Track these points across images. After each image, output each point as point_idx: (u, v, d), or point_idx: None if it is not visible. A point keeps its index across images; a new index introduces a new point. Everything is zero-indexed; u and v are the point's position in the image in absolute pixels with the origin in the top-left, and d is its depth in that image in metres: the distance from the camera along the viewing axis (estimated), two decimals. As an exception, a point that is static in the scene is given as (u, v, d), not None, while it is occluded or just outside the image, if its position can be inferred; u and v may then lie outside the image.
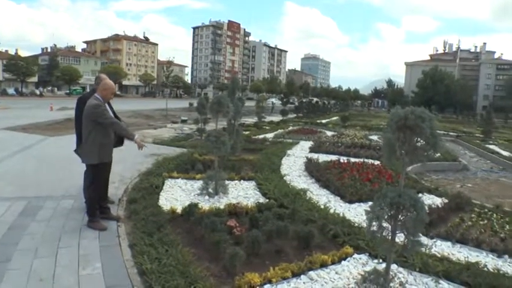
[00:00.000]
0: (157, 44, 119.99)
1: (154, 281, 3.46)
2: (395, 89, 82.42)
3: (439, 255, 4.52)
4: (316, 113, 37.32)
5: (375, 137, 17.65)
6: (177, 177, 8.00)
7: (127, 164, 9.21)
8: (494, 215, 6.44)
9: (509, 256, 4.82)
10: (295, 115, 34.74)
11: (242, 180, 8.06)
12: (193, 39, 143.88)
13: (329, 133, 19.38)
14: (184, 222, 5.32)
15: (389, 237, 3.03)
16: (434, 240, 5.19)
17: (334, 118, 33.36)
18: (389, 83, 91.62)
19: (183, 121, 24.33)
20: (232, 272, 3.81)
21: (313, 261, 4.07)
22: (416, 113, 2.81)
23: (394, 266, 4.16)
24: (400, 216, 2.97)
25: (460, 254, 4.82)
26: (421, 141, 2.89)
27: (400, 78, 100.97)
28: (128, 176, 7.96)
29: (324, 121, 28.98)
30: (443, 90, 67.76)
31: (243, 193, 7.22)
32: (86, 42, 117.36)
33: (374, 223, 3.00)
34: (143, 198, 6.24)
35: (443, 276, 3.99)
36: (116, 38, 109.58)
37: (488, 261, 4.63)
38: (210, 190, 6.92)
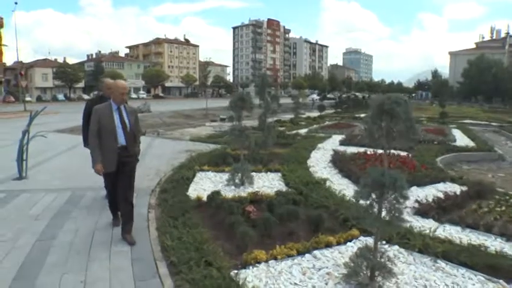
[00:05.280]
0: (198, 46, 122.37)
1: (173, 255, 3.99)
2: (440, 80, 79.50)
3: (442, 238, 4.70)
4: (355, 107, 37.01)
5: (410, 130, 17.48)
6: (208, 170, 8.54)
7: (163, 160, 9.93)
8: None
9: None
10: (334, 110, 34.65)
11: (269, 172, 8.47)
12: (234, 39, 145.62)
13: (364, 127, 19.34)
14: (208, 208, 5.82)
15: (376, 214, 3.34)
16: (438, 224, 5.32)
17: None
18: (435, 74, 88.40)
19: (222, 119, 24.97)
20: (243, 250, 4.23)
21: (318, 241, 4.42)
22: (392, 99, 3.10)
23: (395, 247, 4.46)
24: (385, 194, 3.26)
25: (467, 237, 4.91)
26: (400, 124, 3.14)
27: (445, 69, 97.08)
28: (162, 170, 8.60)
29: (362, 115, 28.71)
30: (491, 79, 64.53)
31: (268, 183, 7.62)
32: (128, 47, 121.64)
33: (361, 201, 3.34)
34: (173, 188, 6.81)
35: (442, 256, 4.17)
36: (157, 41, 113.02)
37: (495, 244, 4.69)
38: (237, 181, 7.38)
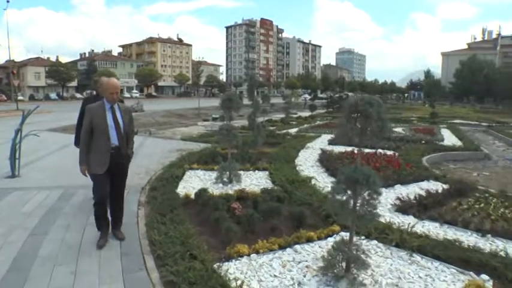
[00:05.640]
0: (191, 45, 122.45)
1: (159, 248, 4.17)
2: (432, 80, 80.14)
3: (419, 233, 4.90)
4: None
5: (399, 129, 17.77)
6: (197, 169, 8.72)
7: (154, 159, 10.09)
8: (494, 199, 6.57)
9: (492, 235, 5.07)
10: (325, 110, 34.93)
11: (257, 171, 8.66)
12: (227, 39, 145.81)
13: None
14: (195, 205, 5.99)
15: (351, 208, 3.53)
16: (417, 220, 5.54)
17: (365, 112, 33.27)
18: (428, 74, 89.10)
19: (214, 119, 25.11)
20: (227, 244, 4.40)
21: (300, 236, 4.62)
22: (365, 100, 3.30)
23: (373, 242, 4.67)
24: (358, 189, 3.45)
25: (444, 233, 5.08)
26: (372, 124, 3.33)
27: (438, 69, 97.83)
28: (153, 169, 8.77)
29: (353, 115, 29.03)
30: (483, 79, 65.28)
31: (256, 181, 7.80)
32: (121, 46, 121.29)
33: (337, 196, 3.53)
34: (163, 186, 6.98)
35: (417, 250, 4.37)
36: (150, 40, 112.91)
37: (471, 239, 4.89)
38: (225, 179, 7.56)
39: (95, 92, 6.25)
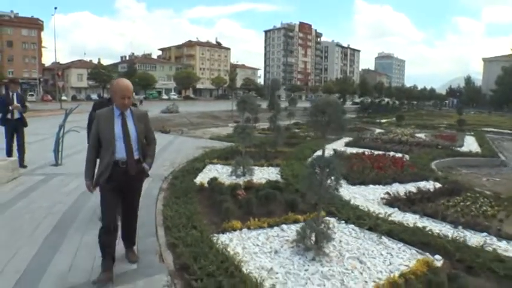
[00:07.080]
0: (229, 49, 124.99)
1: (169, 220, 5.16)
2: (471, 87, 77.74)
3: (395, 221, 5.58)
4: (379, 112, 37.44)
5: (421, 135, 18.08)
6: (217, 163, 9.70)
7: (180, 154, 11.18)
8: (482, 199, 6.98)
9: (464, 227, 5.60)
10: (355, 115, 35.22)
11: (270, 167, 9.52)
12: (265, 42, 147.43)
13: (378, 131, 20.06)
14: (208, 192, 6.94)
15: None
16: (394, 210, 6.22)
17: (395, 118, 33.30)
18: (468, 80, 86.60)
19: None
20: (226, 221, 5.33)
21: (288, 218, 5.46)
22: (326, 101, 4.12)
23: (351, 226, 5.44)
24: (321, 173, 4.25)
25: (421, 223, 5.64)
26: (331, 121, 4.11)
27: (480, 75, 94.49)
28: (177, 162, 9.84)
29: (383, 120, 29.27)
30: (527, 87, 62.73)
31: (267, 175, 8.66)
32: (161, 49, 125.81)
33: (307, 179, 4.36)
34: (183, 176, 7.99)
35: (387, 234, 5.08)
36: (189, 44, 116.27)
37: (443, 229, 5.46)
38: (239, 172, 8.49)
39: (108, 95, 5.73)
